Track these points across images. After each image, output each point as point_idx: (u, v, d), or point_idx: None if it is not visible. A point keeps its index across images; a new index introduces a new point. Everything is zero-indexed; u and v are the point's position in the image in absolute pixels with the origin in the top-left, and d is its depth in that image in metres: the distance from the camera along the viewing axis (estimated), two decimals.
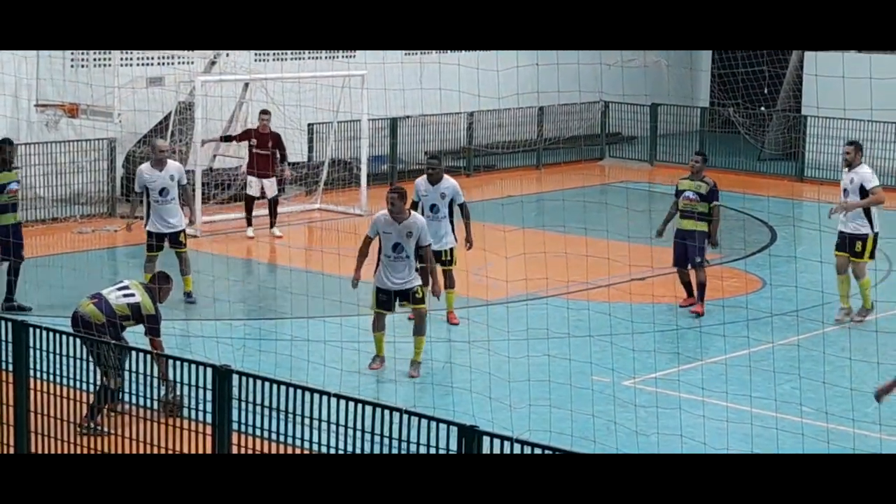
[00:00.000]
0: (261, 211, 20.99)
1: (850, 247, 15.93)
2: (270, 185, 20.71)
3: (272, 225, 20.78)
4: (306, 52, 25.91)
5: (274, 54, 25.45)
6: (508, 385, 12.52)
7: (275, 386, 9.84)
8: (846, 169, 16.37)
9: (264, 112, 20.96)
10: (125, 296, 12.19)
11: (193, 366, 10.06)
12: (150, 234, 16.47)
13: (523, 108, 27.29)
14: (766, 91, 29.96)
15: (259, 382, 9.92)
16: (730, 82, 30.13)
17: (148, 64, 23.50)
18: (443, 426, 8.98)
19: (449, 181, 16.00)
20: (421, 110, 26.03)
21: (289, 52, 25.67)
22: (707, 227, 16.41)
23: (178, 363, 10.27)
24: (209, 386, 9.93)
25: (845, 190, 16.26)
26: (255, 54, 24.88)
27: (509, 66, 22.94)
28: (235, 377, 9.93)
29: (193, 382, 10.03)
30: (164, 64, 23.57)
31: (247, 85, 23.12)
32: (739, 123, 27.70)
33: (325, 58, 25.95)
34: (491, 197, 24.02)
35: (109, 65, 22.63)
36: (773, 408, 12.25)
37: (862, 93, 21.31)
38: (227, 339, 14.37)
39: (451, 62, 24.59)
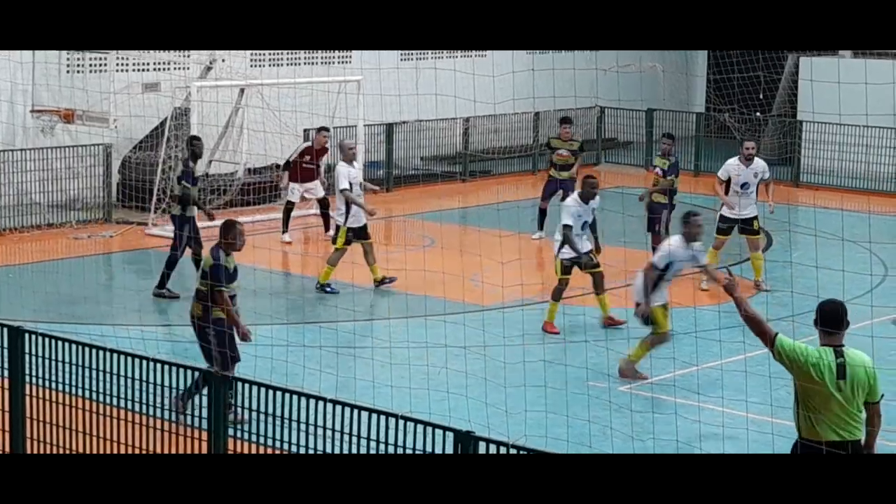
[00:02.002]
0: (258, 217, 20.98)
1: (748, 228, 18.07)
2: (314, 188, 21.00)
3: (327, 229, 20.90)
4: (302, 57, 25.92)
5: (270, 59, 25.46)
6: (504, 390, 12.53)
7: (271, 392, 9.83)
8: (746, 163, 18.12)
9: (324, 129, 21.19)
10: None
11: (189, 371, 10.06)
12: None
13: (519, 113, 27.30)
14: (761, 96, 29.98)
15: (255, 388, 9.91)
16: (725, 87, 30.16)
17: (143, 70, 23.50)
18: (438, 431, 8.98)
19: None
20: (417, 116, 26.05)
21: (284, 57, 25.68)
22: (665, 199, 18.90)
23: (172, 369, 10.27)
24: (205, 392, 9.92)
25: (746, 183, 18.03)
26: (251, 59, 24.88)
27: (505, 71, 22.94)
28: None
29: (185, 387, 10.01)
30: (159, 69, 23.56)
31: (242, 90, 23.12)
32: (735, 129, 27.72)
33: (321, 63, 25.97)
34: (487, 202, 24.03)
35: (105, 70, 22.64)
36: (769, 412, 12.25)
37: (857, 98, 21.37)
38: None
39: (447, 68, 24.65)
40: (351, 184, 17.77)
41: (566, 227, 15.98)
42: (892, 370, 12.88)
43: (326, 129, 21.32)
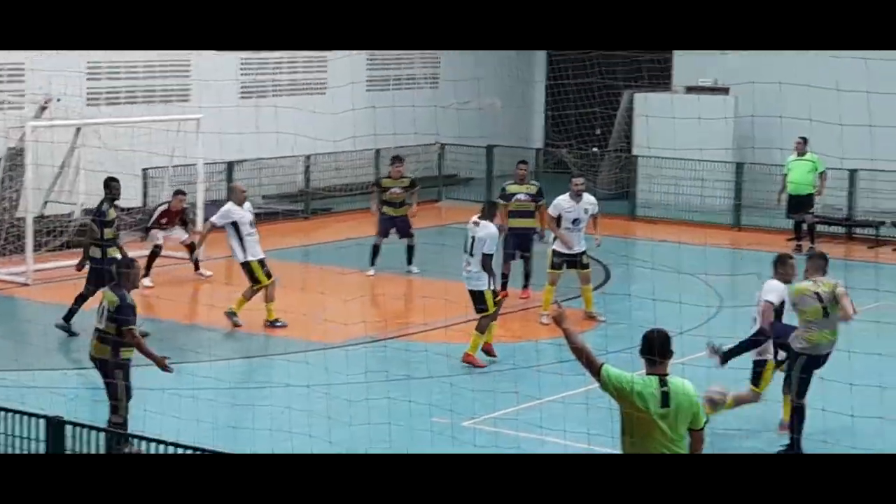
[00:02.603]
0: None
1: (578, 263, 18.26)
2: (178, 232, 21.00)
3: (197, 268, 20.85)
4: (140, 95, 25.64)
5: (107, 98, 25.12)
6: (349, 429, 12.49)
7: (106, 436, 9.66)
8: (576, 199, 18.38)
9: (181, 192, 20.95)
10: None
11: (25, 417, 9.84)
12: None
13: (360, 150, 27.36)
14: (598, 132, 30.51)
15: (94, 433, 9.73)
16: (563, 123, 30.63)
17: None
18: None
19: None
20: (257, 154, 25.92)
21: (122, 95, 25.37)
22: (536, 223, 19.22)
23: (9, 415, 10.03)
24: (42, 438, 9.71)
25: (577, 220, 18.23)
26: (87, 99, 24.53)
27: (345, 108, 23.01)
28: (69, 428, 9.73)
29: (26, 434, 9.80)
30: None
31: (79, 130, 22.76)
32: (572, 164, 28.12)
33: (160, 101, 25.72)
34: (329, 240, 23.99)
35: None
36: (611, 444, 12.40)
37: (691, 133, 21.89)
38: (60, 390, 14.06)
39: (287, 105, 24.60)
40: (236, 223, 17.79)
41: (487, 256, 16.06)
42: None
43: (183, 193, 21.05)
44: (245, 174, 26.24)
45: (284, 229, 24.75)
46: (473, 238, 16.05)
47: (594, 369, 8.92)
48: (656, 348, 8.90)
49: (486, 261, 15.91)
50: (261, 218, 25.94)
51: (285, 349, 16.24)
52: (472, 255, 15.99)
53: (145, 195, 24.48)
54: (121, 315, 12.24)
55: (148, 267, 20.46)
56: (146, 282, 20.49)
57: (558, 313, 9.14)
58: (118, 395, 12.31)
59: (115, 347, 12.32)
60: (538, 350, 16.24)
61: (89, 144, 22.55)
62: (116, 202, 17.90)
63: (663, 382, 8.89)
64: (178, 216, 21.03)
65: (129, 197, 23.38)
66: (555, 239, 18.32)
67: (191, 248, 20.91)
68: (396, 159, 21.74)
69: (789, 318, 13.20)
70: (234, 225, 17.84)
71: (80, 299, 16.97)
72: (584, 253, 18.30)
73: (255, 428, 12.94)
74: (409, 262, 21.25)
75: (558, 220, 18.25)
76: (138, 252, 21.18)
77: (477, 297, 15.99)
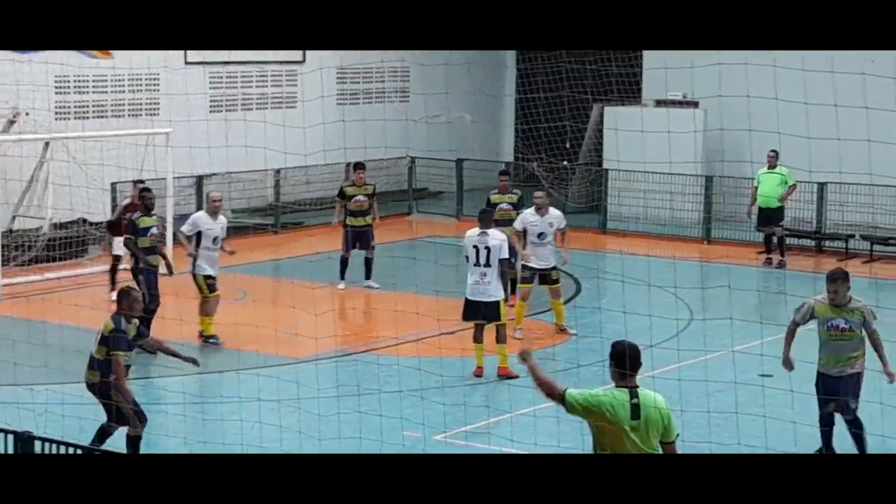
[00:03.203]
0: (65, 273, 20.53)
1: (548, 278, 18.15)
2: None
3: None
4: (109, 109, 25.55)
5: (75, 112, 25.03)
6: (319, 443, 12.45)
7: (80, 452, 9.60)
8: (540, 214, 18.21)
9: (140, 181, 20.84)
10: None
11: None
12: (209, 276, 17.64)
13: (330, 164, 27.33)
14: (568, 145, 30.57)
15: (63, 448, 9.67)
16: (533, 137, 30.68)
17: None
18: None
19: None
20: (227, 168, 25.87)
21: (91, 109, 25.28)
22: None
23: None
24: (10, 453, 9.63)
25: (542, 233, 18.08)
26: (56, 113, 24.43)
27: (315, 122, 23.00)
28: (38, 444, 9.66)
29: None
30: None
31: (47, 144, 22.67)
32: (543, 177, 28.17)
33: (129, 115, 25.64)
34: (299, 254, 23.94)
35: None
36: None
37: (660, 146, 21.97)
38: (28, 405, 13.96)
39: (257, 119, 24.57)
40: (200, 234, 17.74)
41: (505, 259, 16.15)
42: (697, 412, 13.19)
43: (142, 182, 20.87)
44: (215, 188, 26.17)
45: (254, 243, 24.70)
46: (488, 249, 15.96)
47: (557, 397, 8.92)
48: (627, 360, 8.90)
49: (504, 265, 15.99)
50: (231, 232, 25.91)
51: (256, 363, 16.18)
52: (488, 265, 15.94)
53: (114, 209, 24.36)
54: (113, 342, 12.20)
55: (112, 281, 20.36)
56: (113, 295, 20.39)
57: (524, 351, 9.21)
58: (123, 413, 12.23)
59: (102, 374, 12.25)
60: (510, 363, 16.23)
61: (58, 158, 22.47)
62: (153, 211, 17.70)
63: (633, 395, 8.88)
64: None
65: (97, 211, 23.34)
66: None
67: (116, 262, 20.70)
68: (358, 166, 21.60)
69: None
70: (199, 235, 17.79)
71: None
72: (554, 268, 18.31)
73: (226, 443, 12.89)
74: (368, 276, 21.11)
75: (524, 233, 18.26)
76: (101, 267, 21.14)
77: (493, 309, 15.99)
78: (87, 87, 25.23)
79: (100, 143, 22.81)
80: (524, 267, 18.22)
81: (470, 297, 16.03)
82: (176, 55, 25.73)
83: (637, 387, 8.94)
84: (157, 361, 15.95)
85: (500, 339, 16.03)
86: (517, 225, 18.40)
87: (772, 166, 23.58)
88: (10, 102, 22.97)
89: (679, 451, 9.11)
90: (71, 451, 9.65)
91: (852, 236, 24.72)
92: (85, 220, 23.72)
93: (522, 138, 31.82)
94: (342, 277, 20.99)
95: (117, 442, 12.33)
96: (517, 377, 15.70)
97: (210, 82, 27.31)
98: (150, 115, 25.84)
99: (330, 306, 19.22)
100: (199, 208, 25.57)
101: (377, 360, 16.31)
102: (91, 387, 12.48)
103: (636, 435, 8.82)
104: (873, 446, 12.81)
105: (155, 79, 26.11)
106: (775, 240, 23.75)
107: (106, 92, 25.53)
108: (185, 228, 17.97)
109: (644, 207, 26.84)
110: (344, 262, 21.05)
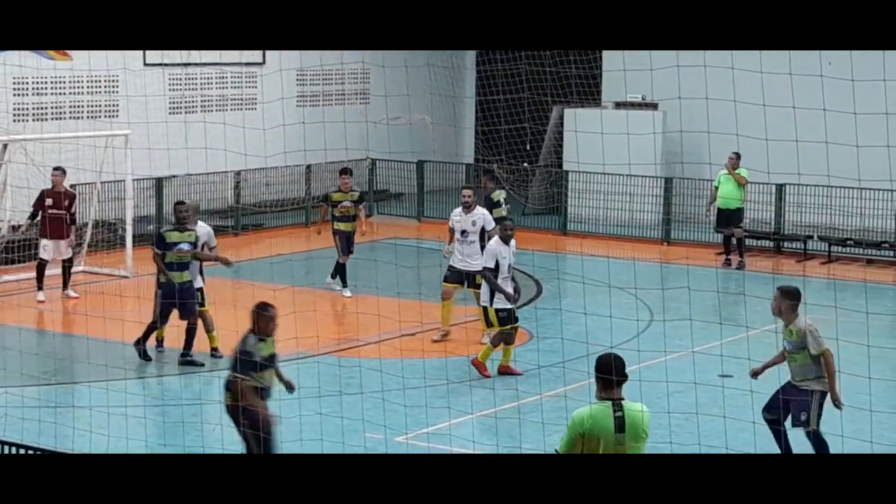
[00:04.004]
0: (23, 275, 20.43)
1: (473, 280, 17.58)
2: (66, 246, 20.42)
3: (66, 286, 20.47)
4: (68, 111, 25.43)
5: (34, 114, 24.89)
6: (281, 445, 12.42)
7: (39, 454, 9.55)
8: (465, 211, 17.99)
9: (57, 169, 20.54)
10: None
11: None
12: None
13: (291, 166, 27.28)
14: (528, 147, 30.63)
15: (22, 452, 9.62)
16: (493, 139, 30.72)
17: None
18: None
19: None
20: (187, 169, 25.78)
21: (49, 111, 25.14)
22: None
23: None
24: None
25: (465, 231, 17.80)
26: (14, 115, 24.28)
27: (275, 124, 22.95)
28: None
29: None
30: None
31: (5, 146, 22.52)
32: (503, 179, 28.21)
33: (87, 117, 25.52)
34: (260, 256, 23.89)
35: None
36: None
37: (620, 148, 22.03)
38: None
39: (217, 121, 24.50)
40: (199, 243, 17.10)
41: (487, 269, 16.05)
42: (657, 412, 13.25)
43: (59, 169, 20.61)
44: (174, 190, 26.09)
45: None
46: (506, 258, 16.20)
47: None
48: (615, 372, 8.69)
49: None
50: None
51: (217, 366, 16.14)
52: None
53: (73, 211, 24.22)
54: (239, 365, 11.57)
55: (39, 279, 20.24)
56: (40, 296, 20.28)
57: None
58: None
59: (236, 394, 11.53)
60: (470, 365, 16.26)
61: (16, 161, 22.31)
62: (187, 224, 16.90)
63: (618, 407, 8.73)
64: (66, 198, 20.43)
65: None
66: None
67: (69, 263, 20.55)
68: (345, 171, 21.42)
69: None
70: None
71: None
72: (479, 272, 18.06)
73: (186, 445, 12.86)
74: (344, 283, 20.99)
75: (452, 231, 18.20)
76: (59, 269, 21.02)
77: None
78: (46, 88, 25.10)
79: (58, 144, 22.69)
80: (450, 268, 17.99)
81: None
82: (135, 56, 25.62)
83: (622, 398, 8.78)
84: (117, 363, 15.88)
85: (495, 342, 16.03)
86: (450, 224, 18.30)
87: (732, 167, 23.69)
88: None
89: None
90: (31, 453, 9.61)
91: (810, 237, 24.89)
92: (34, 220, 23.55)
93: (483, 140, 31.87)
94: (345, 284, 20.80)
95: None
96: (521, 374, 15.82)
97: (169, 84, 27.22)
98: (109, 116, 25.71)
99: (290, 308, 19.17)
100: (159, 211, 25.51)
101: (338, 363, 16.30)
102: (226, 409, 11.79)
103: (621, 447, 8.65)
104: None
105: (114, 80, 26.00)
106: (734, 241, 23.88)
107: (64, 94, 25.40)
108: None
109: (604, 209, 26.93)
110: (342, 268, 20.86)
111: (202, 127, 24.59)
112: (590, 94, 29.86)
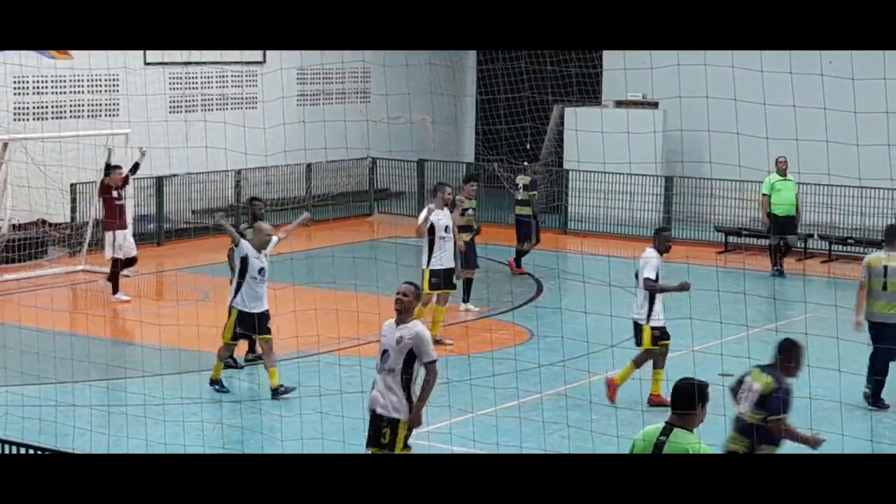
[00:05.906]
0: (24, 275, 20.41)
1: (448, 280, 17.73)
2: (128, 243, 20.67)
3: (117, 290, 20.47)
4: (68, 110, 25.44)
5: (34, 113, 24.89)
6: (281, 444, 12.44)
7: (40, 454, 9.56)
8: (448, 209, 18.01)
9: (116, 167, 20.69)
10: None
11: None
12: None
13: (291, 165, 27.28)
14: (528, 146, 30.64)
15: (23, 451, 9.63)
16: (493, 138, 30.72)
17: None
18: None
19: None
20: (187, 168, 25.79)
21: (50, 110, 25.15)
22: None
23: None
24: None
25: (447, 226, 17.82)
26: (14, 114, 24.29)
27: (276, 123, 22.96)
28: None
29: None
30: None
31: (6, 145, 22.54)
32: (504, 178, 28.22)
33: (88, 116, 25.52)
34: None
35: None
36: None
37: (620, 147, 22.05)
38: None
39: (217, 120, 24.50)
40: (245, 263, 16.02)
41: (649, 280, 14.93)
42: (650, 412, 13.23)
43: (118, 167, 20.76)
44: (175, 189, 26.12)
45: (215, 244, 24.60)
46: None
47: None
48: (679, 399, 8.43)
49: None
50: (191, 233, 25.90)
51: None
52: None
53: (73, 210, 24.27)
54: (771, 405, 10.19)
55: (114, 278, 20.14)
56: (122, 296, 20.21)
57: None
58: None
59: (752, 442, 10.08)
60: (470, 363, 16.27)
61: (16, 160, 22.33)
62: (259, 222, 16.58)
63: (666, 431, 8.43)
64: (124, 183, 20.64)
65: (56, 212, 23.22)
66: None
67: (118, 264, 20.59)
68: (471, 178, 20.80)
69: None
70: (243, 262, 16.00)
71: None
72: (452, 270, 17.86)
73: (186, 444, 12.87)
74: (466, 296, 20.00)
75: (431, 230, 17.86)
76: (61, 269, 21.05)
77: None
78: (46, 87, 25.10)
79: (59, 143, 22.69)
80: (432, 272, 17.71)
81: None
82: (135, 56, 25.62)
83: (674, 425, 8.42)
84: (117, 363, 15.89)
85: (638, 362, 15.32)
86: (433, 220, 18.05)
87: (783, 172, 23.16)
88: None
89: None
90: (31, 453, 9.61)
91: (811, 236, 24.87)
92: (44, 222, 23.60)
93: (483, 139, 31.87)
94: (467, 299, 20.03)
95: None
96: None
97: (170, 83, 27.22)
98: (110, 115, 25.72)
99: (291, 307, 19.19)
100: (159, 210, 25.50)
101: (339, 361, 16.30)
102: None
103: None
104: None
105: (114, 79, 26.00)
106: (782, 246, 23.14)
107: (65, 93, 25.40)
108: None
109: (604, 208, 26.94)
110: (468, 283, 20.06)
111: (202, 126, 24.61)
112: (590, 92, 29.86)
